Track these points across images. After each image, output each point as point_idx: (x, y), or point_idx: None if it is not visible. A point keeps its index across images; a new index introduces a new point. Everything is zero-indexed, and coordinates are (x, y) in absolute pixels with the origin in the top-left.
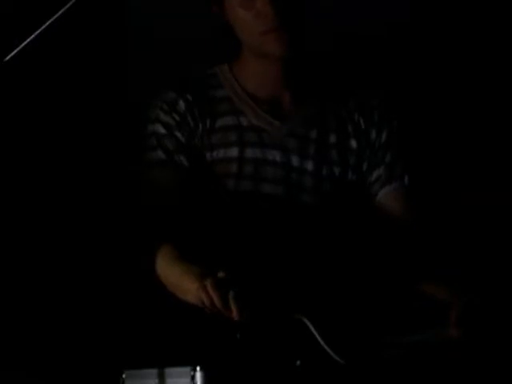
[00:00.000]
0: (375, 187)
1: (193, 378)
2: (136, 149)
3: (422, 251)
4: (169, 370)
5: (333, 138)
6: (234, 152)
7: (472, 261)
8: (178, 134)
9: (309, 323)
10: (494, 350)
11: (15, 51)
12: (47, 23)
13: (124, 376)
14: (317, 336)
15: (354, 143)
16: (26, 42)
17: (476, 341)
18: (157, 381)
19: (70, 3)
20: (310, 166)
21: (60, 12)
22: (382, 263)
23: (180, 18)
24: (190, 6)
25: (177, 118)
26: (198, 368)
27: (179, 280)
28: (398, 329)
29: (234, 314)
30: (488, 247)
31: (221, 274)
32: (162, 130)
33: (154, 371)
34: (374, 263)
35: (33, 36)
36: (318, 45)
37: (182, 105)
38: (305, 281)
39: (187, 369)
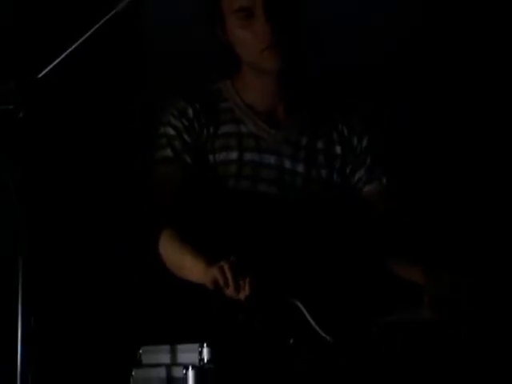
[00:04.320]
0: (358, 187)
1: (200, 353)
2: (149, 147)
3: (398, 239)
4: (180, 346)
5: (320, 145)
6: (233, 155)
7: (445, 244)
8: (186, 137)
9: (301, 306)
10: (468, 332)
11: (48, 68)
12: (75, 44)
13: (141, 351)
14: (308, 317)
15: (338, 149)
16: (57, 61)
17: (448, 323)
18: (169, 355)
19: (98, 25)
20: (300, 168)
21: (87, 34)
22: (363, 251)
23: (190, 39)
24: (199, 29)
25: (185, 122)
26: (205, 344)
27: (184, 260)
28: (378, 310)
29: (245, 293)
30: (461, 232)
31: (234, 259)
32: (172, 132)
33: (167, 347)
34: (357, 252)
35: (64, 55)
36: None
37: (190, 112)
38: (297, 268)
39: (196, 345)
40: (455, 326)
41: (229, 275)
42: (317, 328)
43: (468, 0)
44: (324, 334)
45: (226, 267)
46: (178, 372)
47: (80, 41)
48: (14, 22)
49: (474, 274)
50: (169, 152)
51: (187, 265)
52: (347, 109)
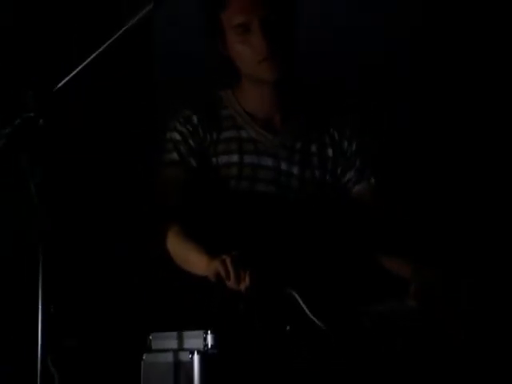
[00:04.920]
0: (348, 186)
1: (205, 339)
2: (156, 152)
3: (386, 234)
4: (186, 333)
5: (313, 148)
6: (234, 158)
7: (431, 239)
8: (191, 141)
9: (297, 296)
10: (468, 331)
11: (64, 81)
12: (88, 60)
13: (151, 338)
14: (303, 307)
15: (330, 152)
16: (73, 74)
17: (430, 311)
18: (177, 341)
19: (111, 40)
20: (295, 170)
21: (101, 48)
22: (354, 246)
23: (196, 53)
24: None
25: (190, 128)
26: (209, 331)
27: (189, 255)
28: (368, 300)
29: (245, 285)
30: (452, 230)
31: (235, 253)
32: (178, 137)
33: (175, 334)
34: (349, 246)
35: (79, 68)
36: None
37: (195, 119)
38: (293, 261)
39: (200, 332)
40: (455, 325)
41: (230, 268)
42: (311, 316)
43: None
44: (318, 322)
45: (227, 260)
46: (184, 356)
47: (94, 54)
48: (14, 22)
49: (474, 274)
50: (175, 156)
51: (192, 259)
52: (338, 115)
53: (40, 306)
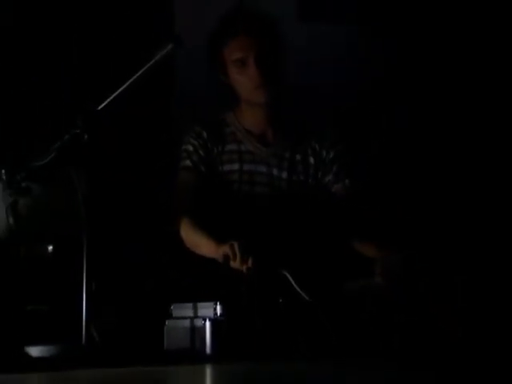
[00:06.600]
0: (328, 187)
1: (215, 309)
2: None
3: (358, 224)
4: (199, 304)
5: (298, 157)
6: (236, 166)
7: (393, 225)
8: (201, 152)
9: (288, 275)
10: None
11: (106, 102)
12: (124, 86)
13: (172, 307)
14: (293, 284)
15: (312, 160)
16: (114, 95)
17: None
18: (192, 310)
19: (140, 72)
20: (284, 175)
21: (131, 80)
22: (333, 234)
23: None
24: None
25: (201, 142)
26: (218, 303)
27: (200, 240)
28: (346, 278)
29: (247, 267)
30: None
31: (241, 240)
32: (191, 148)
33: (191, 304)
34: (329, 234)
35: (119, 91)
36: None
37: (204, 134)
38: (285, 247)
39: (212, 303)
40: (452, 323)
41: (237, 251)
42: (300, 292)
43: (462, 11)
44: (305, 296)
45: (235, 245)
46: (198, 323)
47: (127, 84)
48: (14, 22)
49: (470, 272)
50: (188, 162)
51: (202, 243)
52: (319, 131)
53: (84, 284)
